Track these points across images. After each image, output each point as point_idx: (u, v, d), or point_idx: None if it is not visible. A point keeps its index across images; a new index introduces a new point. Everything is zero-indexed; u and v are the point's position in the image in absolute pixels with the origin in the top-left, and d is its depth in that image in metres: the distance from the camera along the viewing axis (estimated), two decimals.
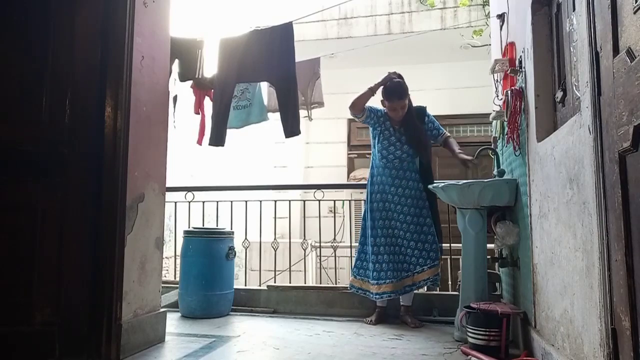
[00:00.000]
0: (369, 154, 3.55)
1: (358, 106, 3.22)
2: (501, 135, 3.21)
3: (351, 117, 3.39)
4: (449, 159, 3.40)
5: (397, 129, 3.28)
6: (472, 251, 2.85)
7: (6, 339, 2.22)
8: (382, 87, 3.21)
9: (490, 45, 3.86)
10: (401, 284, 3.18)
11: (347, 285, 3.48)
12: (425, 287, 3.37)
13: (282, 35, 3.52)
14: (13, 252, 2.27)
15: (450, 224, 3.68)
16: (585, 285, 1.60)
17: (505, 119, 2.68)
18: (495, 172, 3.14)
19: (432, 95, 6.43)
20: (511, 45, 2.80)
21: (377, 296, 3.19)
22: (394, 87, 3.17)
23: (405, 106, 3.19)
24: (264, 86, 4.05)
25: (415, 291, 3.34)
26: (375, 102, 3.30)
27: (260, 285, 4.03)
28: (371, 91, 3.21)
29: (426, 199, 3.24)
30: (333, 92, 4.37)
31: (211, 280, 3.46)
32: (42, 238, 2.29)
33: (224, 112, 3.62)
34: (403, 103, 3.17)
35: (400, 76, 3.23)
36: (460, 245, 2.97)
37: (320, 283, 5.14)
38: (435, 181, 3.29)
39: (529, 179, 2.41)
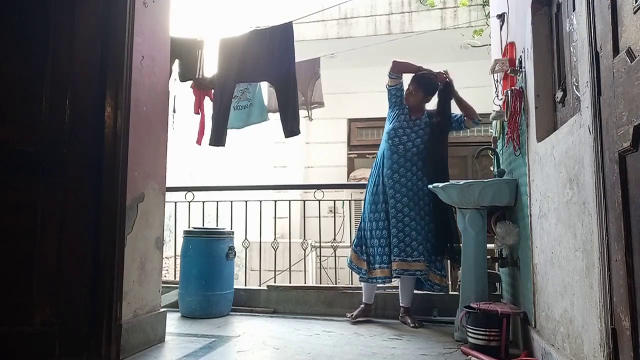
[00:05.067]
0: (369, 154, 3.57)
1: (399, 68, 3.26)
2: (501, 135, 3.21)
3: (351, 117, 3.42)
4: (449, 158, 3.40)
5: (413, 120, 3.28)
6: (472, 251, 2.85)
7: (6, 339, 2.22)
8: (422, 74, 3.27)
9: (490, 45, 3.86)
10: (389, 271, 3.17)
11: (347, 285, 3.48)
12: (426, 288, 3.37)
13: (282, 35, 3.52)
14: (13, 252, 2.27)
15: None
16: (585, 285, 1.60)
17: (505, 119, 2.68)
18: (495, 172, 3.14)
19: None
20: (511, 45, 2.80)
21: (375, 280, 3.20)
22: (428, 80, 3.26)
23: (414, 95, 3.26)
24: (264, 86, 4.05)
25: (417, 291, 3.35)
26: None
27: (260, 285, 4.03)
28: (418, 68, 3.29)
29: (420, 196, 3.19)
30: (333, 92, 4.37)
31: (211, 280, 3.46)
32: (42, 238, 2.29)
33: (224, 112, 3.62)
34: (415, 89, 3.26)
35: (448, 82, 3.28)
36: (461, 245, 2.97)
37: (320, 283, 5.13)
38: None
39: (529, 179, 2.41)
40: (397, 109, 3.30)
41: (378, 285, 3.36)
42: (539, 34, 2.29)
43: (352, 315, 3.29)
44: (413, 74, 3.31)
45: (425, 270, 3.14)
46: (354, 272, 3.42)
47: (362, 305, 3.33)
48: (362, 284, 3.36)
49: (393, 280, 3.30)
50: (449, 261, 3.36)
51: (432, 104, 3.38)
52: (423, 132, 3.26)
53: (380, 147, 3.38)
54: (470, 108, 3.27)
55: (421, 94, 3.27)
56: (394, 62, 3.26)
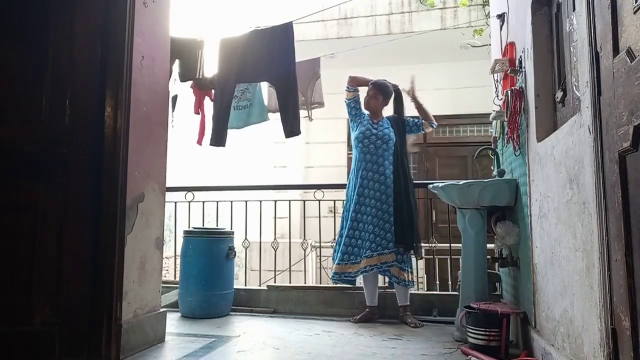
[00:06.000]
0: None
1: (356, 82, 3.50)
2: (501, 135, 3.21)
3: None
4: (449, 159, 3.44)
5: (376, 123, 3.43)
6: (472, 251, 2.85)
7: (6, 339, 2.22)
8: (377, 81, 3.49)
9: (490, 45, 3.86)
10: (345, 268, 3.26)
11: (347, 285, 3.47)
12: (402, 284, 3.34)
13: (282, 35, 3.52)
14: (13, 252, 2.27)
15: (450, 224, 3.68)
16: (585, 285, 1.60)
17: (505, 119, 2.68)
18: (495, 172, 3.15)
19: (432, 95, 6.41)
20: (511, 45, 2.80)
21: (332, 277, 3.30)
22: (384, 85, 3.49)
23: (375, 98, 3.46)
24: (264, 86, 4.05)
25: (412, 291, 3.35)
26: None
27: (260, 285, 4.03)
28: (370, 80, 3.51)
29: (392, 189, 3.30)
30: (333, 92, 4.37)
31: (211, 280, 3.46)
32: (42, 238, 2.29)
33: (225, 112, 3.62)
34: (375, 93, 3.46)
35: (397, 88, 3.52)
36: (460, 245, 2.97)
37: (320, 283, 5.13)
38: (434, 181, 3.30)
39: (529, 179, 2.41)
40: (357, 118, 3.48)
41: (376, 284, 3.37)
42: (539, 34, 2.29)
43: (355, 319, 3.29)
44: (371, 83, 3.50)
45: (393, 262, 3.21)
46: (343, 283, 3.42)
47: (366, 310, 3.34)
48: (363, 287, 3.37)
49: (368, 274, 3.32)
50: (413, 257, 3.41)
51: (389, 110, 3.57)
52: (388, 130, 3.41)
53: (353, 157, 3.50)
54: (428, 113, 3.49)
55: (380, 97, 3.47)
56: (351, 77, 3.50)
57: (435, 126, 3.54)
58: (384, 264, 3.19)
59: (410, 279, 3.27)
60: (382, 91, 3.46)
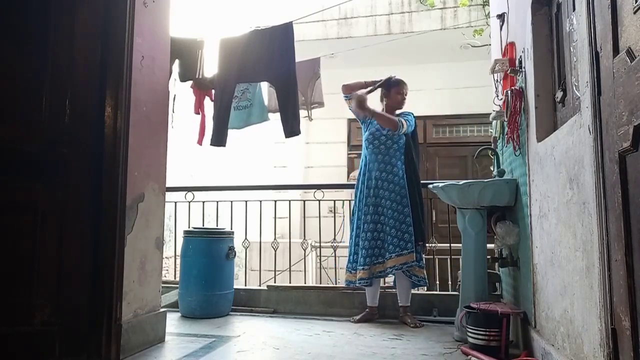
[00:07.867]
0: None
1: (350, 88, 3.45)
2: (501, 135, 3.21)
3: (351, 117, 3.46)
4: (449, 159, 3.44)
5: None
6: (472, 251, 2.85)
7: (6, 339, 2.22)
8: (385, 83, 3.43)
9: (490, 45, 3.86)
10: (374, 270, 3.23)
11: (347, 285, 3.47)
12: (416, 286, 3.35)
13: (282, 35, 3.52)
14: (13, 252, 2.27)
15: (450, 224, 3.68)
16: (585, 285, 1.60)
17: (505, 119, 2.68)
18: (495, 172, 3.15)
19: (432, 95, 6.44)
20: (511, 45, 2.80)
21: (358, 282, 3.23)
22: (398, 78, 3.46)
23: (400, 94, 3.43)
24: (264, 86, 4.05)
25: (412, 291, 3.35)
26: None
27: (260, 285, 4.03)
28: (365, 84, 3.45)
29: (407, 188, 3.29)
30: (333, 92, 4.37)
31: (211, 280, 3.46)
32: (42, 238, 2.29)
33: (225, 112, 3.62)
34: (407, 89, 3.45)
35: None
36: (460, 245, 2.97)
37: (320, 283, 5.13)
38: (434, 181, 3.30)
39: (529, 179, 2.41)
40: (367, 119, 3.43)
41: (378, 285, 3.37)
42: (539, 34, 2.29)
43: (355, 319, 3.30)
44: (381, 87, 3.45)
45: (413, 262, 3.19)
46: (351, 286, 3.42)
47: (366, 310, 3.34)
48: (365, 288, 3.36)
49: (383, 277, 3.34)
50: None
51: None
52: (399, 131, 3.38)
53: (362, 157, 3.47)
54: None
55: (404, 85, 3.46)
56: (344, 86, 3.47)
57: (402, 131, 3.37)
58: (404, 264, 3.17)
59: (425, 276, 3.29)
60: (403, 83, 3.45)
